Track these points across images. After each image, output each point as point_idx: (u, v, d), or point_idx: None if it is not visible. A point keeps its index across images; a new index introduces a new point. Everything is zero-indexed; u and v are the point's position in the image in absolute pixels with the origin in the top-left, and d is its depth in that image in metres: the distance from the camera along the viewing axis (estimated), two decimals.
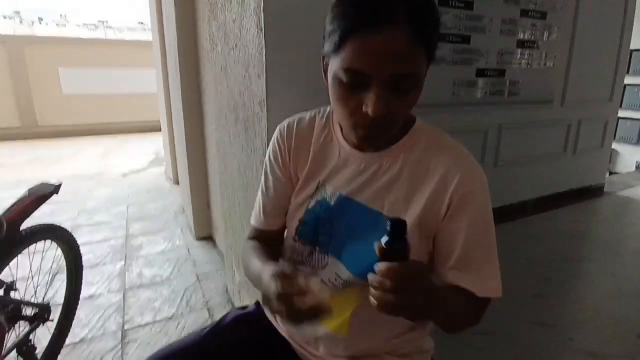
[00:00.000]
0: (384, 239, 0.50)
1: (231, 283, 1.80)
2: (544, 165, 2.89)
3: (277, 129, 0.78)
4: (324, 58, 0.61)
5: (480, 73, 2.32)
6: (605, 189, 3.42)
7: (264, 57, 1.06)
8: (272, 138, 0.78)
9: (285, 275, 0.55)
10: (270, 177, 0.79)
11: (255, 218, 0.82)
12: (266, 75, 1.07)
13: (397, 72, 0.52)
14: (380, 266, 0.49)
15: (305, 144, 0.75)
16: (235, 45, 1.28)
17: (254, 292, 1.44)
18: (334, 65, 0.56)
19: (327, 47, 0.57)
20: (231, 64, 1.36)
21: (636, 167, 4.37)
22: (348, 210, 0.70)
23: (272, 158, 0.78)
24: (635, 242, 2.46)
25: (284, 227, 0.81)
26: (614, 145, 4.25)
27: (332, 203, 0.71)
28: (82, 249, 2.25)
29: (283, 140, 0.76)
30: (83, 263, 1.62)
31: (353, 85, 0.55)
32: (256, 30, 1.08)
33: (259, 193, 0.81)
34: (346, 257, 0.70)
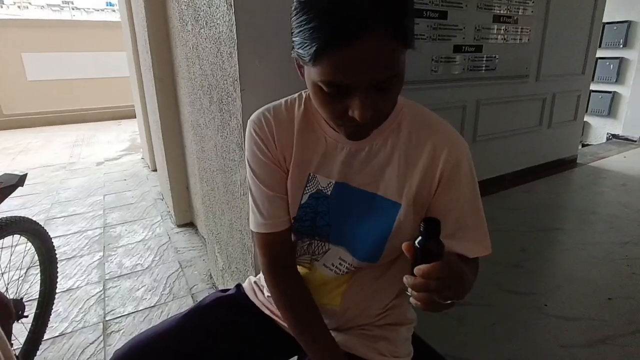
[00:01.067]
0: (418, 240, 0.50)
1: (214, 268, 1.79)
2: (520, 140, 2.95)
3: (252, 123, 0.70)
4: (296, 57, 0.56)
5: (458, 49, 2.32)
6: (578, 161, 3.53)
7: (234, 34, 1.02)
8: (248, 134, 0.71)
9: None
10: (261, 172, 0.70)
11: (260, 224, 0.72)
12: (238, 53, 1.03)
13: (379, 78, 0.51)
14: (422, 269, 0.47)
15: (288, 135, 0.69)
16: (206, 23, 1.23)
17: (238, 276, 1.43)
18: (312, 74, 0.53)
19: (300, 54, 0.52)
20: (202, 43, 1.31)
21: (607, 139, 4.51)
22: (345, 197, 0.69)
23: (258, 154, 0.70)
24: (604, 209, 2.56)
25: (282, 230, 0.73)
26: (586, 118, 4.36)
27: (330, 193, 0.69)
28: (58, 242, 2.22)
29: (264, 133, 0.69)
30: (59, 256, 1.57)
31: (335, 93, 0.53)
32: (225, 6, 1.04)
33: (253, 197, 0.72)
34: (348, 242, 0.70)
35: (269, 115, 0.70)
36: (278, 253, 0.73)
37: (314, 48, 0.49)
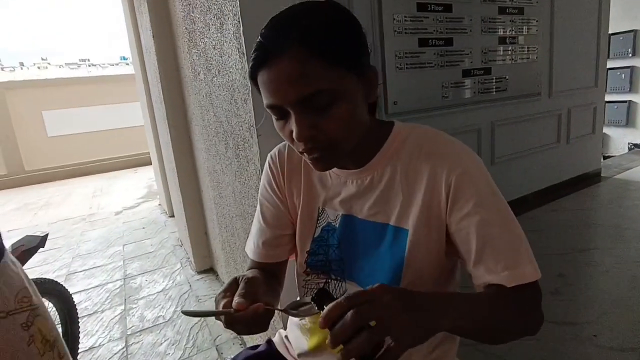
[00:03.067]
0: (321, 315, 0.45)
1: None
2: (539, 158, 2.87)
3: (269, 156, 0.75)
4: None
5: (467, 73, 2.32)
6: (602, 174, 3.41)
7: (248, 81, 1.01)
8: (265, 166, 0.76)
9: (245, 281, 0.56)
10: (266, 205, 0.76)
11: (253, 251, 0.77)
12: (253, 100, 1.02)
13: (299, 95, 0.52)
14: (321, 317, 0.44)
15: (297, 169, 0.72)
16: (218, 72, 1.24)
17: None
18: None
19: None
20: (216, 91, 1.32)
21: (629, 149, 4.39)
22: (354, 230, 0.67)
23: (266, 186, 0.76)
24: (639, 224, 2.42)
25: (286, 261, 0.77)
26: (605, 130, 4.26)
27: (338, 226, 0.69)
28: (79, 297, 2.19)
29: (276, 166, 0.74)
30: (80, 312, 1.54)
31: (281, 117, 0.57)
32: (238, 55, 1.05)
33: (255, 224, 0.78)
34: (362, 278, 0.66)
35: (283, 150, 0.74)
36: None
37: (249, 71, 0.56)
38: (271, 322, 1.28)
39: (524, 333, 0.58)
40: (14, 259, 0.53)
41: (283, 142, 0.74)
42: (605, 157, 4.31)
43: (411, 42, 2.00)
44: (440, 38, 2.13)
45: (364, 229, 0.66)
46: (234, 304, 0.51)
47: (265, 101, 0.56)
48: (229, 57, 1.12)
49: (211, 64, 1.30)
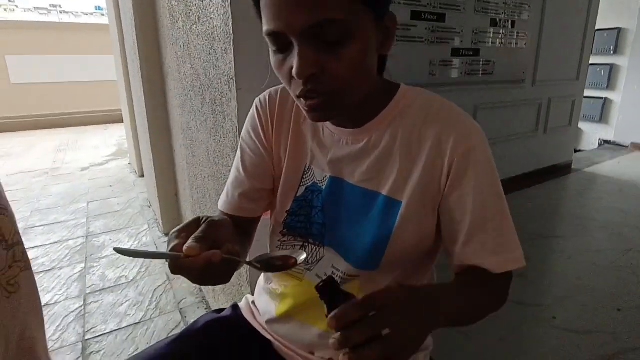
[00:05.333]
0: (326, 311, 0.41)
1: None
2: (516, 145, 2.91)
3: (257, 99, 0.67)
4: None
5: (456, 52, 2.27)
6: (572, 166, 3.52)
7: (230, 28, 0.93)
8: (251, 109, 0.68)
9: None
10: (248, 153, 0.68)
11: (224, 202, 0.70)
12: (234, 50, 0.94)
13: (309, 22, 0.45)
14: (333, 317, 0.38)
15: (287, 118, 0.65)
16: (198, 19, 1.14)
17: (231, 293, 1.33)
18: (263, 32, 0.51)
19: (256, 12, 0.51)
20: (194, 40, 1.22)
21: (599, 145, 4.53)
22: (341, 194, 0.62)
23: (250, 131, 0.68)
24: (603, 216, 2.52)
25: (259, 218, 0.72)
26: (579, 124, 4.38)
27: (324, 187, 0.63)
28: (36, 252, 2.08)
29: (264, 111, 0.66)
30: (36, 268, 1.46)
31: (280, 50, 0.49)
32: (221, 1, 0.95)
33: (233, 174, 0.71)
34: (343, 247, 0.62)
35: (274, 96, 0.66)
36: None
37: None
38: (238, 287, 1.24)
39: (492, 312, 0.58)
40: None
41: (274, 87, 0.66)
42: (576, 151, 4.45)
43: (404, 13, 1.92)
44: (433, 13, 2.06)
45: (352, 194, 0.61)
46: (184, 247, 0.43)
47: (265, 27, 0.48)
48: (210, 1, 1.02)
49: (191, 10, 1.20)
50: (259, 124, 0.67)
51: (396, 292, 0.41)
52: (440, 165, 0.56)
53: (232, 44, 0.94)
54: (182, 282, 1.81)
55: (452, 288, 0.54)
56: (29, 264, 0.52)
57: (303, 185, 0.65)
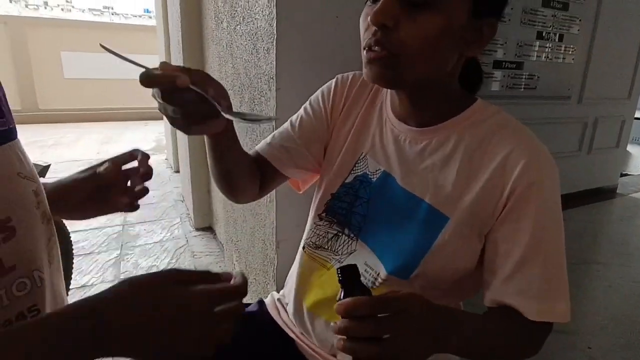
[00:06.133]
0: (341, 295, 0.42)
1: None
2: (558, 164, 2.77)
3: (340, 75, 0.70)
4: None
5: (498, 65, 2.21)
6: (618, 191, 3.32)
7: (274, 28, 0.95)
8: (330, 82, 0.70)
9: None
10: (309, 115, 0.70)
11: (262, 144, 0.71)
12: (276, 49, 0.96)
13: None
14: (342, 303, 0.40)
15: (361, 102, 0.66)
16: (243, 19, 1.18)
17: (256, 288, 1.35)
18: None
19: None
20: (237, 40, 1.26)
21: None
22: (389, 191, 0.60)
23: (321, 98, 0.70)
24: None
25: (280, 177, 0.71)
26: (627, 146, 4.13)
27: (375, 180, 0.62)
28: (77, 236, 2.19)
29: (343, 85, 0.68)
30: (77, 251, 1.53)
31: (371, 2, 0.51)
32: (266, 1, 0.98)
33: (283, 126, 0.72)
34: (379, 246, 0.60)
35: (357, 77, 0.68)
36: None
37: None
38: (264, 284, 1.25)
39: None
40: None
41: (359, 71, 0.66)
42: (622, 175, 4.20)
43: None
44: None
45: (398, 194, 0.59)
46: (160, 62, 0.47)
47: None
48: (256, 2, 1.05)
49: (236, 10, 1.23)
50: (332, 95, 0.68)
51: (415, 302, 0.41)
52: (500, 190, 0.53)
53: (274, 43, 0.96)
54: None
55: (477, 319, 0.52)
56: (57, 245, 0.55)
57: (354, 172, 0.65)
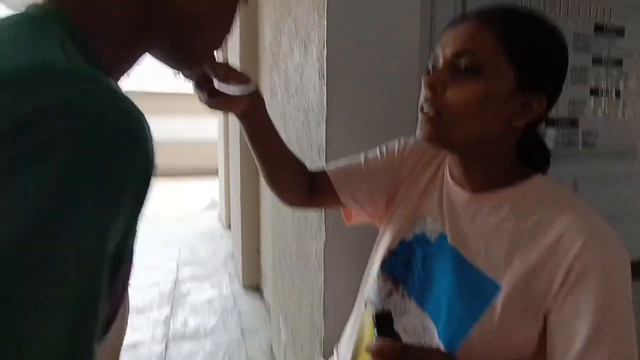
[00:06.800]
0: (373, 336, 0.49)
1: (277, 341, 1.68)
2: (627, 225, 2.54)
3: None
4: None
5: (550, 122, 2.16)
6: None
7: (324, 103, 1.02)
8: (408, 140, 0.76)
9: None
10: (382, 155, 0.75)
11: (330, 164, 0.79)
12: (326, 122, 1.02)
13: (455, 51, 0.54)
14: (374, 344, 0.46)
15: (430, 166, 0.71)
16: (296, 92, 1.27)
17: (301, 355, 1.31)
18: None
19: None
20: (290, 111, 1.35)
21: None
22: (443, 254, 0.61)
23: (397, 145, 0.75)
24: None
25: (332, 199, 0.76)
26: None
27: (432, 241, 0.63)
28: (132, 293, 2.29)
29: (417, 147, 0.73)
30: (131, 308, 1.60)
31: (433, 68, 0.58)
32: (317, 77, 1.06)
33: (353, 157, 0.79)
34: (430, 307, 0.59)
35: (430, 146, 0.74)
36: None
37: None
38: (311, 353, 1.22)
39: None
40: None
41: None
42: None
43: None
44: None
45: (451, 257, 0.59)
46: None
47: (432, 53, 0.60)
48: (308, 79, 1.14)
49: (290, 85, 1.34)
50: (409, 150, 0.73)
51: (439, 357, 0.46)
52: (554, 269, 0.50)
53: (324, 117, 1.02)
54: (255, 339, 1.83)
55: None
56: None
57: (413, 232, 0.66)
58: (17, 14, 0.31)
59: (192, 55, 0.43)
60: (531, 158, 0.62)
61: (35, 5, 0.32)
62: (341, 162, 0.78)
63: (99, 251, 0.25)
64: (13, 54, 0.27)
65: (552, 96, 0.56)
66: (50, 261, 0.22)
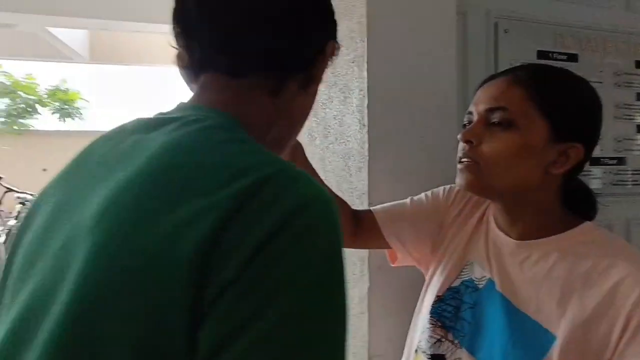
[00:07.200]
0: None
1: None
2: None
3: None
4: None
5: (596, 161, 2.09)
6: None
7: (366, 151, 1.06)
8: (454, 186, 0.78)
9: None
10: (427, 198, 0.79)
11: (378, 205, 0.84)
12: (368, 169, 1.06)
13: (488, 106, 0.59)
14: None
15: (471, 216, 0.73)
16: (335, 139, 1.33)
17: None
18: None
19: None
20: (329, 157, 1.40)
21: None
22: (492, 300, 0.62)
23: (442, 192, 0.79)
24: None
25: (377, 227, 0.78)
26: None
27: (481, 287, 0.64)
28: None
29: (463, 194, 0.75)
30: None
31: (468, 124, 0.63)
32: (358, 126, 1.11)
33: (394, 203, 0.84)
34: (482, 356, 0.60)
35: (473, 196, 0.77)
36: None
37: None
38: None
39: None
40: None
41: None
42: None
43: None
44: None
45: (501, 305, 0.60)
46: None
47: (466, 111, 0.65)
48: (348, 127, 1.19)
49: (329, 132, 1.40)
50: (454, 196, 0.76)
51: None
52: (612, 320, 0.50)
53: (367, 163, 1.06)
54: None
55: None
56: None
57: (460, 277, 0.67)
58: (199, 123, 0.40)
59: (289, 142, 0.55)
60: (577, 205, 0.63)
61: (211, 114, 0.42)
62: (387, 204, 0.81)
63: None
64: (243, 155, 0.37)
65: (590, 142, 0.59)
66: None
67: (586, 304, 0.52)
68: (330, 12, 0.50)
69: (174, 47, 0.46)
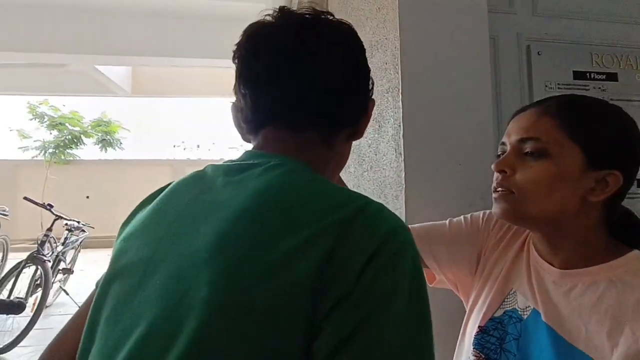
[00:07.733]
0: None
1: None
2: None
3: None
4: None
5: None
6: None
7: (403, 179, 1.07)
8: (492, 217, 0.78)
9: None
10: (466, 221, 0.79)
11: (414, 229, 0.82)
12: (405, 196, 1.07)
13: (520, 136, 0.60)
14: None
15: (512, 244, 0.72)
16: (370, 167, 1.35)
17: None
18: None
19: None
20: (364, 184, 1.42)
21: None
22: (540, 333, 0.60)
23: (480, 218, 0.78)
24: None
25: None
26: None
27: (525, 317, 0.63)
28: None
29: (504, 225, 0.74)
30: None
31: (502, 154, 0.64)
32: (394, 155, 1.13)
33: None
34: None
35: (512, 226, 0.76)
36: None
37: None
38: None
39: None
40: None
41: None
42: None
43: None
44: None
45: (548, 336, 0.59)
46: None
47: (499, 142, 0.67)
48: (384, 155, 1.21)
49: (364, 160, 1.42)
50: (493, 223, 0.75)
51: None
52: None
53: (403, 192, 1.07)
54: None
55: None
56: None
57: (502, 307, 0.66)
58: (281, 167, 0.48)
59: (335, 179, 0.63)
60: (624, 233, 0.62)
61: (286, 160, 0.49)
62: (426, 224, 0.81)
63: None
64: (332, 192, 0.45)
65: (629, 169, 0.57)
66: None
67: (633, 334, 0.50)
68: (369, 75, 0.57)
69: (233, 105, 0.56)
